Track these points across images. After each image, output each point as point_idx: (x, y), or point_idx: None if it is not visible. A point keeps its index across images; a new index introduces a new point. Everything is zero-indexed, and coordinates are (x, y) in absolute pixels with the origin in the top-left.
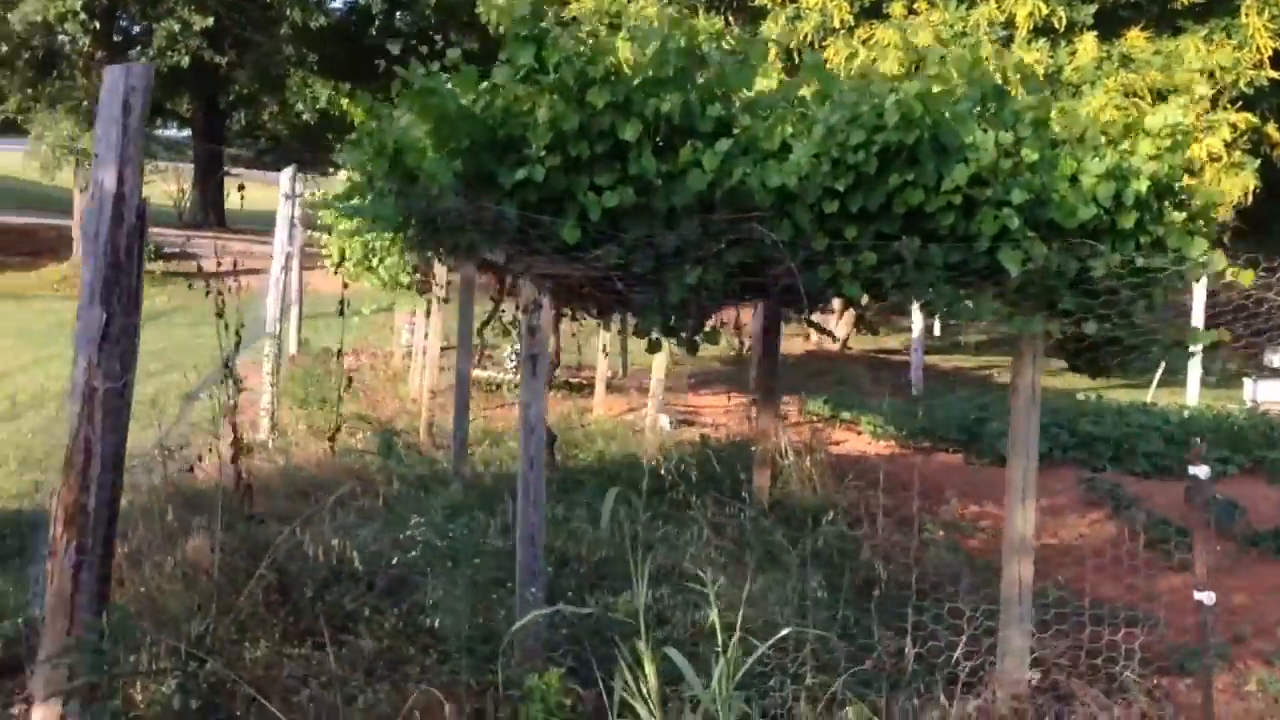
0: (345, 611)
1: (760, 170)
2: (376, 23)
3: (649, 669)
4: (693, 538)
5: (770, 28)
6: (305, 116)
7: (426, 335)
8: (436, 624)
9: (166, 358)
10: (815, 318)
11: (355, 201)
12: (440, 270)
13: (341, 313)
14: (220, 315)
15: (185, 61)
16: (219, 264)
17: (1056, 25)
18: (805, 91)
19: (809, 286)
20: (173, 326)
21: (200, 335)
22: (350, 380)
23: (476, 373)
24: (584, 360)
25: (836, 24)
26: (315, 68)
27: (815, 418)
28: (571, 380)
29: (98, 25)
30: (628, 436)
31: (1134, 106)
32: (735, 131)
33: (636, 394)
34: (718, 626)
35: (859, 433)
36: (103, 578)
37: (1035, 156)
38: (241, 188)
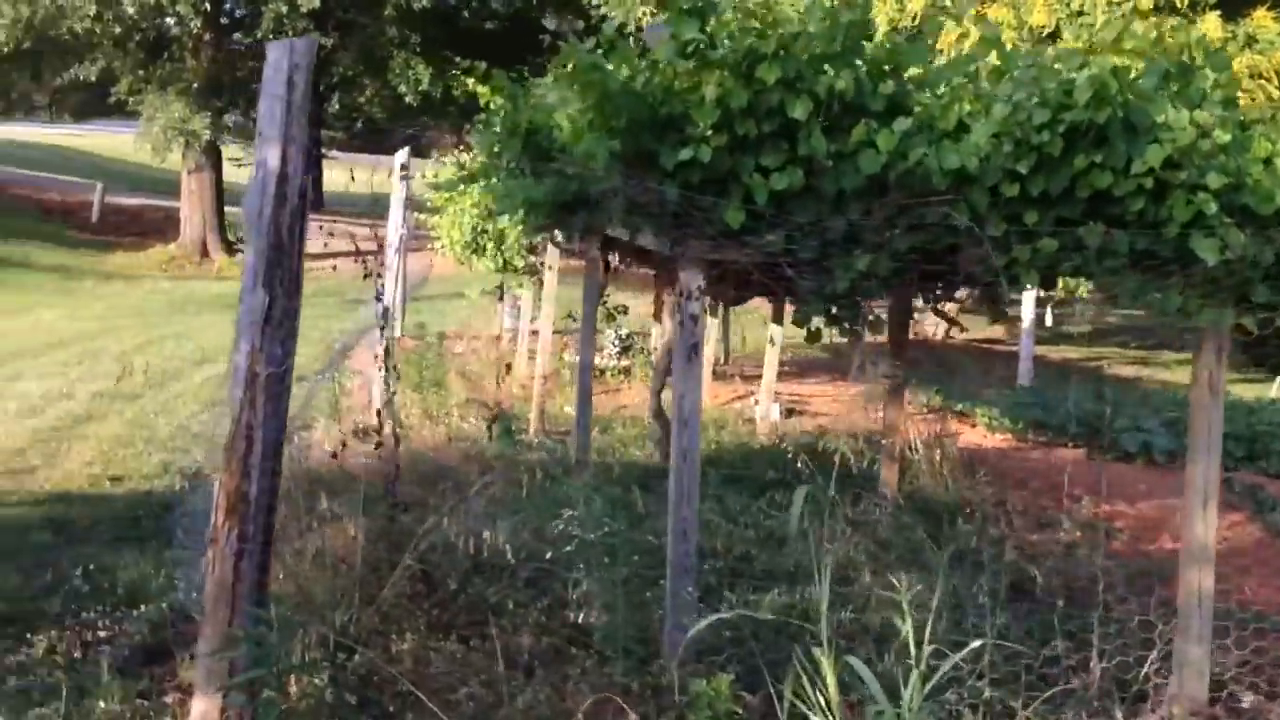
0: (488, 605)
1: (936, 151)
2: (473, 4)
3: (830, 679)
4: (835, 534)
5: (879, 7)
6: (408, 99)
7: (534, 319)
8: (583, 619)
9: None
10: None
11: (501, 183)
12: (553, 253)
13: (501, 296)
14: (379, 299)
15: None
16: (380, 245)
17: (1178, 3)
18: (977, 67)
19: (981, 274)
20: None
21: (306, 316)
22: (509, 367)
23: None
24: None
25: (948, 2)
26: (418, 49)
27: (927, 409)
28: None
29: (208, 7)
30: (738, 426)
31: (1260, 89)
32: (915, 110)
33: (741, 381)
34: (910, 636)
35: (972, 424)
36: (262, 567)
37: (1227, 138)
38: (405, 167)
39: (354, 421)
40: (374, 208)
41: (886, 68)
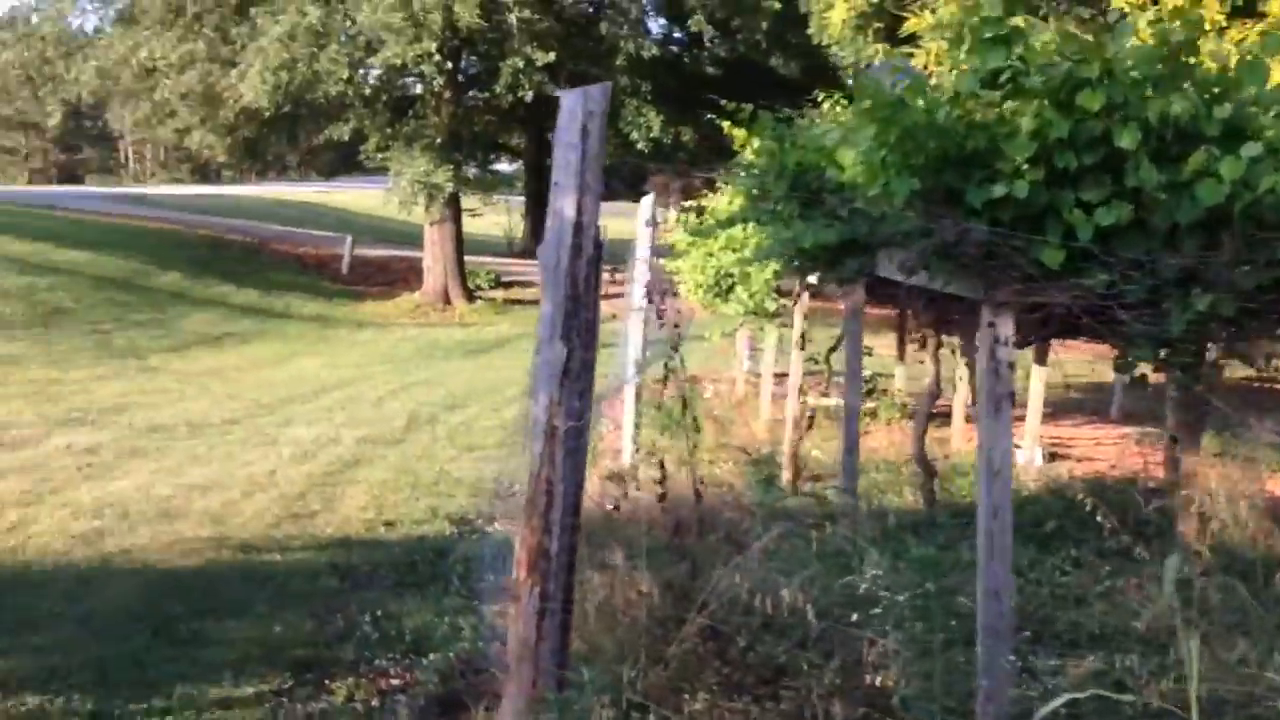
0: (780, 664)
1: None
2: (693, 51)
3: None
4: (1152, 596)
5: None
6: (640, 145)
7: (777, 361)
8: (880, 682)
9: (521, 383)
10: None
11: (772, 226)
12: (803, 296)
13: (802, 345)
14: (676, 349)
15: (529, 96)
16: (668, 291)
17: None
18: None
19: None
20: (520, 353)
21: None
22: (811, 420)
23: (823, 400)
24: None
25: (1206, 26)
26: (649, 97)
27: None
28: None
29: (450, 65)
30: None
31: None
32: (1262, 134)
33: None
34: None
35: (1273, 472)
36: (564, 626)
37: None
38: (688, 208)
39: (605, 467)
40: (611, 254)
41: (1216, 89)
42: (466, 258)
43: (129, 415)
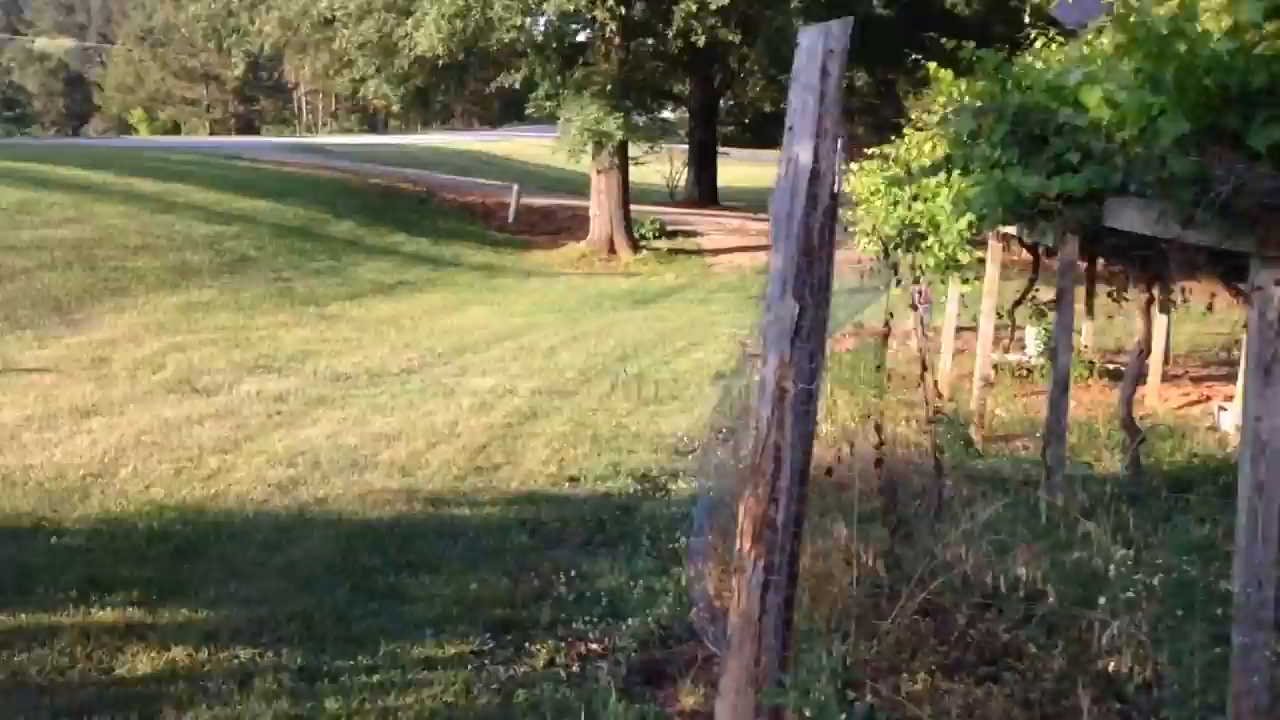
0: (1002, 644)
1: None
2: None
3: None
4: None
5: None
6: None
7: (959, 315)
8: (1113, 668)
9: (689, 335)
10: None
11: (995, 174)
12: (994, 247)
13: (1028, 302)
14: (915, 307)
15: (701, 42)
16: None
17: None
18: None
19: None
20: (686, 304)
21: (712, 312)
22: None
23: (1007, 357)
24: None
25: None
26: None
27: None
28: (1110, 366)
29: (624, 11)
30: (1204, 436)
31: None
32: None
33: (1190, 383)
34: None
35: None
36: (789, 601)
37: None
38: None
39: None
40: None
41: None
42: (633, 206)
43: (312, 363)
